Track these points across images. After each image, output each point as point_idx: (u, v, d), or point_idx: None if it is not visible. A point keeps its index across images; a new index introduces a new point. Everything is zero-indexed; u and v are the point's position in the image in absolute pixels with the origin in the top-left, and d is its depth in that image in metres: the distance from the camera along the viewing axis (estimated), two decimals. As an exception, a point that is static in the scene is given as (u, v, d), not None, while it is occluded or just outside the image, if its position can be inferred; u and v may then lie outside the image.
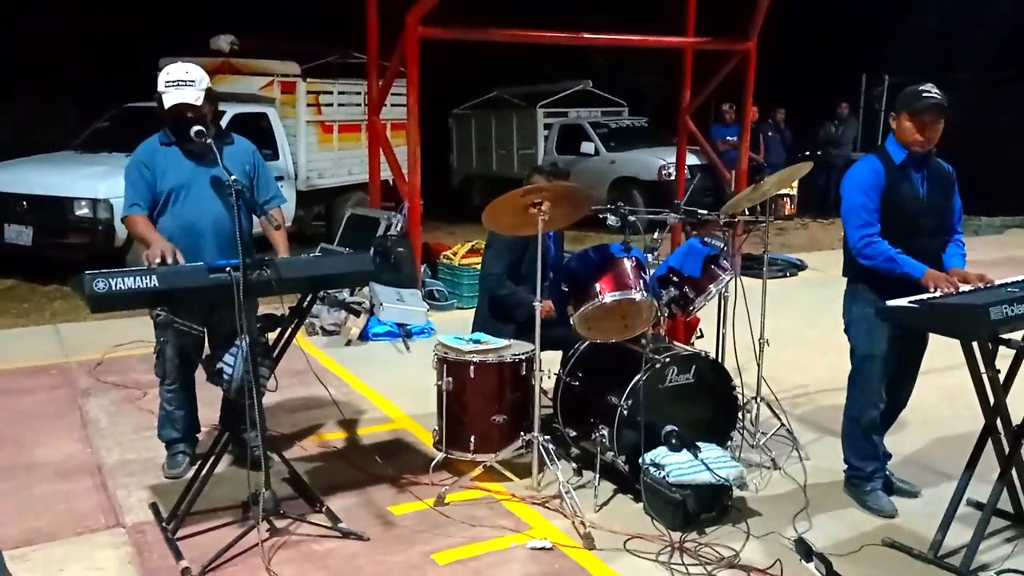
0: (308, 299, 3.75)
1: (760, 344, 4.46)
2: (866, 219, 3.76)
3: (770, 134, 13.88)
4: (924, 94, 3.74)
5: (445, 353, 4.17)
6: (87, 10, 12.40)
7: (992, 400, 3.41)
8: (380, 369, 5.99)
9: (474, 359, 4.10)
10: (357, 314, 6.38)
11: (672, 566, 3.44)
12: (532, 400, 4.03)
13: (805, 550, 3.46)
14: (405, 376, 5.73)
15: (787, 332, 6.33)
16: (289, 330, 3.74)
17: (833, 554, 3.46)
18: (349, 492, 4.03)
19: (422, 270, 7.78)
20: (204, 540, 3.52)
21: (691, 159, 11.75)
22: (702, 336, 4.79)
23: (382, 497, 4.01)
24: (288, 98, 10.43)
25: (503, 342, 4.24)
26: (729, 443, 4.20)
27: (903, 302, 3.37)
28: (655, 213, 4.47)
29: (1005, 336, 3.21)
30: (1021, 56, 13.11)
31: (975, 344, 3.25)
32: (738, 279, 4.37)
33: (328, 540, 3.60)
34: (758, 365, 4.51)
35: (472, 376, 4.09)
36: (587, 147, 14.02)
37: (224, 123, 8.96)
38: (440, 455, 4.19)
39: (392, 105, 9.83)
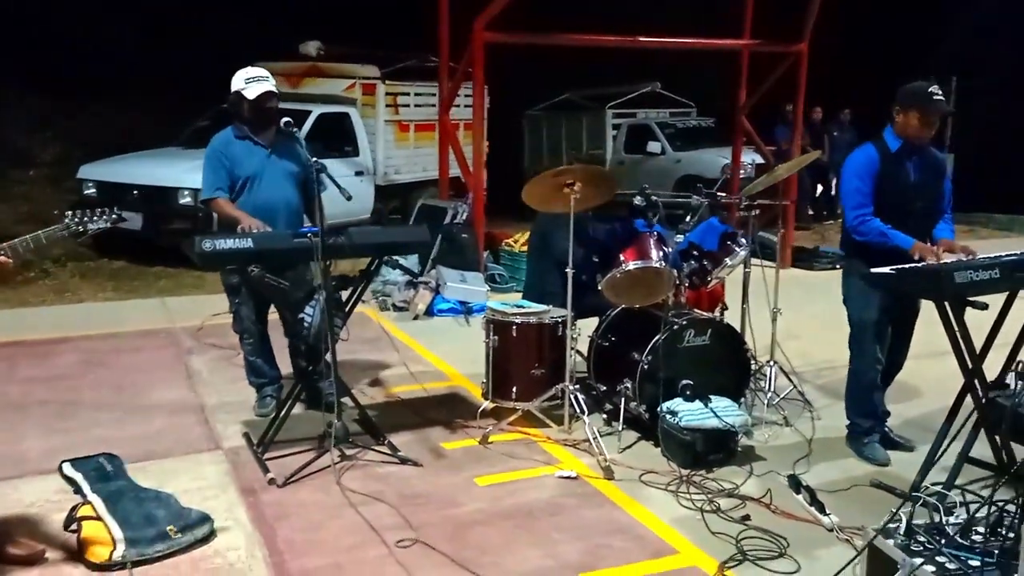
0: (375, 263, 4.43)
1: (773, 314, 4.97)
2: (860, 200, 4.24)
3: (835, 133, 14.11)
4: (935, 96, 4.18)
5: (492, 316, 4.82)
6: (187, 20, 13.53)
7: (967, 355, 3.85)
8: (442, 339, 6.67)
9: (516, 320, 4.74)
10: (421, 278, 7.13)
11: (679, 494, 4.01)
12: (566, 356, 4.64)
13: (795, 483, 3.99)
14: (464, 345, 6.38)
15: (824, 315, 6.77)
16: (359, 289, 4.43)
17: (823, 491, 3.97)
18: (408, 431, 4.71)
19: (485, 256, 8.44)
20: (287, 461, 4.22)
21: (755, 158, 12.13)
22: (727, 309, 5.31)
23: (436, 436, 4.68)
24: (368, 99, 11.20)
25: (542, 307, 4.86)
26: (743, 400, 4.72)
27: (885, 269, 3.85)
28: (681, 197, 5.02)
29: (972, 298, 3.66)
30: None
31: (947, 305, 3.72)
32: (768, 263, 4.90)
33: (389, 465, 4.28)
34: (772, 333, 5.02)
35: (514, 335, 4.73)
36: (653, 147, 14.45)
37: (309, 122, 9.86)
38: (487, 403, 4.83)
39: (464, 106, 10.52)
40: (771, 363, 5.05)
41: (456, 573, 3.33)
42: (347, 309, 4.42)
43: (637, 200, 4.67)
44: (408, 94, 11.77)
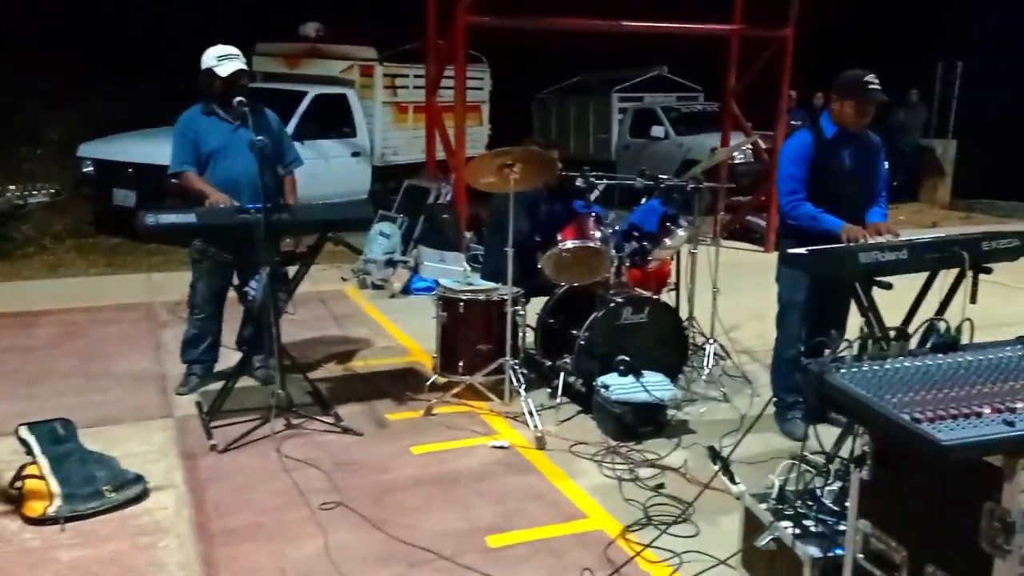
0: (320, 239, 4.58)
1: (713, 293, 5.08)
2: (793, 187, 4.32)
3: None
4: (870, 86, 4.24)
5: (443, 292, 4.98)
6: (190, 1, 13.77)
7: (877, 333, 3.93)
8: (413, 317, 6.79)
9: (464, 297, 4.89)
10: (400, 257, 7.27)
11: (603, 464, 4.15)
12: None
13: (713, 454, 4.10)
14: (433, 324, 6.54)
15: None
16: (304, 264, 4.59)
17: (745, 463, 4.08)
18: (357, 403, 4.88)
19: (468, 236, 8.56)
20: (232, 429, 4.40)
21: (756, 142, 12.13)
22: (674, 289, 5.42)
23: (383, 407, 4.85)
24: (366, 81, 11.34)
25: (491, 285, 5.00)
26: (681, 376, 4.84)
27: (800, 250, 3.93)
28: (624, 180, 5.14)
29: (878, 278, 3.75)
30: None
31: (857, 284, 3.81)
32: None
33: (331, 434, 4.45)
34: (712, 311, 5.13)
35: (462, 311, 4.87)
36: (657, 131, 14.48)
37: (305, 103, 10.07)
38: (435, 376, 5.00)
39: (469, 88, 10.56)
40: (711, 341, 5.17)
41: (369, 533, 3.50)
42: (293, 285, 4.59)
43: (579, 182, 4.78)
44: (407, 76, 11.84)
